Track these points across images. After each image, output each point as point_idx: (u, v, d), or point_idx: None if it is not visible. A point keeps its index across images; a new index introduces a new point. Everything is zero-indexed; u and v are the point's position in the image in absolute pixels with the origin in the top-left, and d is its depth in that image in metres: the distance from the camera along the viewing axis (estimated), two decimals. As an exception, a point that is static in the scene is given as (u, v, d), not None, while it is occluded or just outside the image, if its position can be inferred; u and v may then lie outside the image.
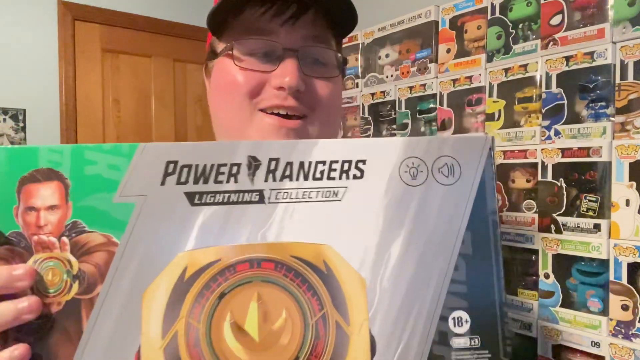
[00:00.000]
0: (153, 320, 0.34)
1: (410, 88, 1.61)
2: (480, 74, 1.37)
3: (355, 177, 0.34)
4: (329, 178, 0.34)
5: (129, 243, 0.34)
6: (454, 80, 1.45)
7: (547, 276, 1.11)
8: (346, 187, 0.35)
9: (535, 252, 1.13)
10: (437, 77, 1.53)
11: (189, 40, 2.72)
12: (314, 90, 0.54)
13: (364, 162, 0.34)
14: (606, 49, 1.06)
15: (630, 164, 0.99)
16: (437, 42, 1.53)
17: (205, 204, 0.34)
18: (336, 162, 0.34)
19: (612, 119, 1.05)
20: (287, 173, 0.34)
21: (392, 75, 1.70)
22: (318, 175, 0.34)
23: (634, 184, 0.98)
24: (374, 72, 1.78)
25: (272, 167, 0.34)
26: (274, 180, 0.34)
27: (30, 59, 2.29)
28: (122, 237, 0.34)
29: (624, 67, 1.04)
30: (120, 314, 0.34)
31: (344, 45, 1.78)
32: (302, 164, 0.34)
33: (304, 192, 0.35)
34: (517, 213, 1.18)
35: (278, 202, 0.35)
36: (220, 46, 0.57)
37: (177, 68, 2.73)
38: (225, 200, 0.34)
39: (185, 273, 0.35)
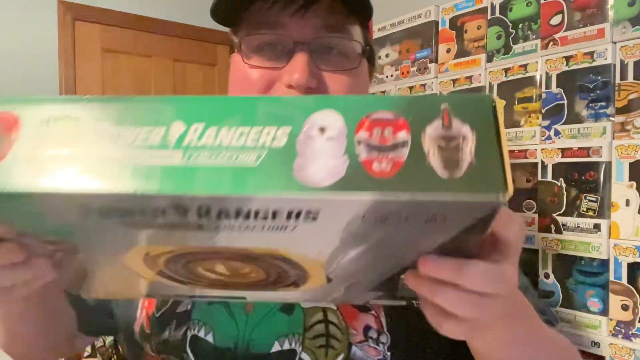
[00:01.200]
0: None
1: (410, 88, 1.61)
2: (480, 74, 1.37)
3: (307, 220, 0.31)
4: (274, 219, 0.31)
5: None
6: (454, 80, 1.45)
7: (547, 276, 1.11)
8: (296, 226, 0.32)
9: (535, 252, 1.13)
10: (437, 77, 1.53)
11: (189, 40, 2.72)
12: (328, 85, 0.50)
13: (317, 213, 0.30)
14: (606, 49, 1.06)
15: (630, 164, 0.99)
16: (437, 42, 1.53)
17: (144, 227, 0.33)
18: (279, 213, 0.30)
19: (612, 119, 1.05)
20: (223, 216, 0.31)
21: (392, 75, 1.70)
22: (262, 216, 0.31)
23: (634, 184, 0.98)
24: (374, 72, 1.78)
25: (203, 211, 0.31)
26: (209, 220, 0.32)
27: (30, 59, 2.29)
28: None
29: (624, 67, 1.04)
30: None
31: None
32: (239, 210, 0.30)
33: (247, 225, 0.32)
34: (517, 213, 1.18)
35: (218, 231, 0.33)
36: (234, 40, 0.54)
37: (177, 68, 2.73)
38: (164, 226, 0.33)
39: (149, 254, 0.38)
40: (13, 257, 0.33)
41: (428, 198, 0.28)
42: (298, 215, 0.30)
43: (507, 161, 0.29)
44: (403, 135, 0.29)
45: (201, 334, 0.52)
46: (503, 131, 0.29)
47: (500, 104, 0.32)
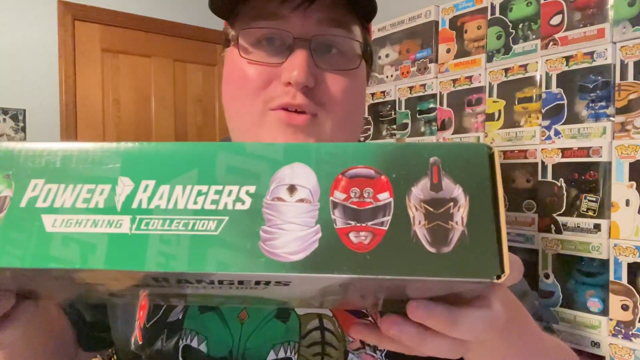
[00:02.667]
0: None
1: (410, 88, 1.61)
2: (480, 74, 1.37)
3: (278, 285, 0.27)
4: (241, 284, 0.28)
5: None
6: (454, 80, 1.45)
7: (547, 276, 1.11)
8: (266, 287, 0.28)
9: (535, 252, 1.13)
10: (437, 77, 1.53)
11: (189, 40, 2.72)
12: (326, 85, 0.48)
13: (289, 282, 0.27)
14: (606, 49, 1.06)
15: (630, 164, 0.99)
16: (437, 42, 1.53)
17: None
18: (246, 282, 0.27)
19: (612, 119, 1.05)
20: (183, 282, 0.28)
21: (392, 75, 1.70)
22: (227, 283, 0.27)
23: (634, 184, 0.97)
24: (374, 72, 1.78)
25: (160, 279, 0.27)
26: (169, 283, 0.28)
27: (30, 59, 2.29)
28: None
29: (623, 67, 1.04)
30: None
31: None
32: (200, 280, 0.27)
33: (212, 286, 0.28)
34: (517, 213, 1.18)
35: (183, 288, 0.30)
36: (231, 33, 0.52)
37: (177, 68, 2.73)
38: None
39: None
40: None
41: (412, 277, 0.24)
42: (267, 283, 0.26)
43: (504, 231, 0.24)
44: (385, 197, 0.25)
45: (194, 343, 0.50)
46: (500, 188, 0.25)
47: (498, 152, 0.29)
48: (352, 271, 0.24)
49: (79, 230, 0.25)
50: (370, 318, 0.51)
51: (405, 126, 1.64)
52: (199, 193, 0.25)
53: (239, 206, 0.25)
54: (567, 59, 1.14)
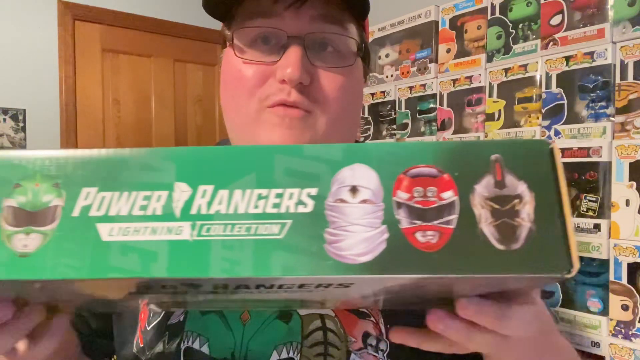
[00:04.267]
0: None
1: (410, 88, 1.61)
2: (480, 74, 1.37)
3: (338, 288, 0.28)
4: (300, 288, 0.28)
5: None
6: (454, 80, 1.45)
7: (547, 276, 1.11)
8: (323, 290, 0.28)
9: (535, 252, 1.13)
10: (437, 77, 1.53)
11: (189, 40, 2.72)
12: (321, 82, 0.48)
13: (351, 284, 0.26)
14: (606, 49, 1.06)
15: (630, 164, 0.99)
16: (437, 42, 1.53)
17: None
18: (307, 285, 0.27)
19: (612, 119, 1.05)
20: (242, 287, 0.28)
21: (392, 75, 1.70)
22: (287, 287, 0.27)
23: (634, 184, 0.97)
24: (374, 72, 1.77)
25: (220, 286, 0.27)
26: (225, 290, 0.28)
27: (30, 59, 2.29)
28: None
29: (624, 67, 1.04)
30: None
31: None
32: (261, 285, 0.27)
33: (268, 291, 0.28)
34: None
35: (235, 294, 0.29)
36: (227, 34, 0.52)
37: (177, 68, 2.73)
38: None
39: None
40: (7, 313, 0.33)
41: (483, 275, 0.24)
42: (328, 285, 0.26)
43: (570, 225, 0.24)
44: (449, 195, 0.24)
45: (196, 345, 0.50)
46: (563, 183, 0.25)
47: (557, 148, 0.26)
48: (422, 271, 0.24)
49: (138, 238, 0.24)
50: (372, 318, 0.51)
51: (405, 126, 1.64)
52: (260, 197, 0.25)
53: (301, 209, 0.24)
54: (567, 59, 1.14)
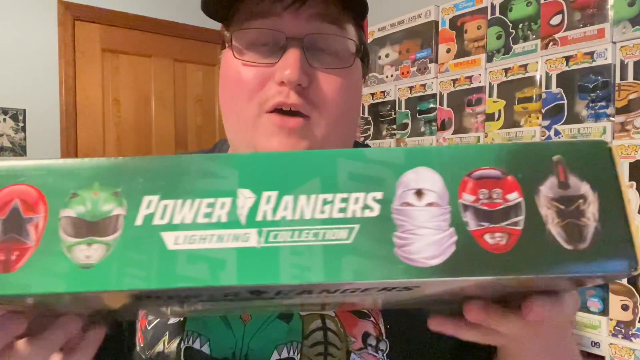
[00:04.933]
0: None
1: (410, 88, 1.61)
2: (480, 74, 1.37)
3: (399, 290, 0.27)
4: (363, 292, 0.28)
5: None
6: (454, 80, 1.45)
7: (547, 276, 1.11)
8: (382, 292, 0.29)
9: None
10: (437, 77, 1.53)
11: (189, 40, 2.71)
12: (320, 84, 0.48)
13: (415, 287, 0.27)
14: (606, 49, 1.06)
15: (630, 164, 0.99)
16: (437, 42, 1.53)
17: None
18: (372, 289, 0.27)
19: (612, 119, 1.05)
20: (305, 293, 0.28)
21: (392, 75, 1.70)
22: (350, 291, 0.27)
23: (634, 184, 0.97)
24: (374, 72, 1.77)
25: (284, 292, 0.27)
26: (286, 295, 0.28)
27: (30, 59, 2.29)
28: None
29: (624, 67, 1.04)
30: None
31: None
32: (326, 290, 0.27)
33: (326, 295, 0.28)
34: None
35: (290, 299, 0.30)
36: (226, 35, 0.52)
37: (177, 68, 2.73)
38: None
39: None
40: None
41: (554, 275, 0.24)
42: (392, 289, 0.26)
43: (633, 223, 0.25)
44: (514, 197, 0.25)
45: (196, 345, 0.50)
46: (622, 181, 0.25)
47: (615, 148, 0.29)
48: (494, 272, 0.24)
49: (205, 246, 0.24)
50: (372, 318, 0.51)
51: (405, 126, 1.64)
52: (325, 202, 0.25)
53: (367, 213, 0.24)
54: (567, 59, 1.14)
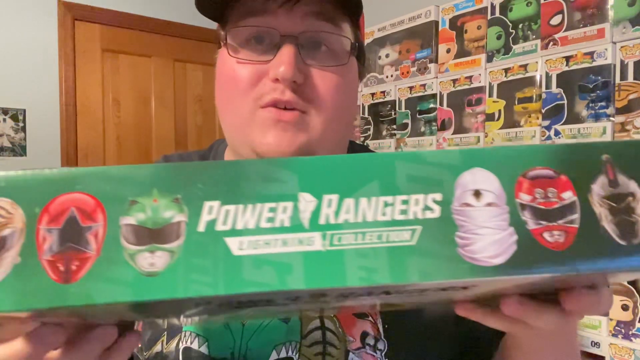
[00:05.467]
0: None
1: (410, 88, 1.61)
2: (480, 74, 1.37)
3: (455, 289, 0.29)
4: (421, 292, 0.29)
5: None
6: (454, 80, 1.45)
7: (547, 276, 1.11)
8: (437, 292, 0.29)
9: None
10: (437, 77, 1.53)
11: (189, 40, 2.71)
12: (315, 82, 0.48)
13: (474, 286, 0.28)
14: (606, 49, 1.06)
15: (630, 164, 0.99)
16: (437, 42, 1.53)
17: None
18: (430, 289, 0.28)
19: (612, 119, 1.05)
20: (365, 294, 0.28)
21: (392, 75, 1.70)
22: (408, 291, 0.27)
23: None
24: (374, 72, 1.77)
25: (346, 294, 0.27)
26: (344, 297, 0.29)
27: (30, 59, 2.29)
28: None
29: (624, 67, 1.04)
30: None
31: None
32: (388, 291, 0.27)
33: (381, 297, 0.29)
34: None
35: (343, 302, 0.30)
36: (221, 33, 0.52)
37: (177, 68, 2.73)
38: None
39: None
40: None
41: (614, 270, 0.25)
42: (452, 288, 0.27)
43: None
44: (569, 195, 0.26)
45: (195, 345, 0.50)
46: None
47: None
48: (555, 270, 0.25)
49: (270, 251, 0.24)
50: (370, 317, 0.51)
51: (405, 126, 1.64)
52: (386, 204, 0.25)
53: (428, 214, 0.25)
54: (567, 59, 1.14)
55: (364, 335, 0.50)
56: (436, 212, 0.25)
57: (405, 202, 0.25)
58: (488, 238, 0.25)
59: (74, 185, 0.25)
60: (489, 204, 0.25)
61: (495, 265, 0.24)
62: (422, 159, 0.26)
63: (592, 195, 0.26)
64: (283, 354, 0.49)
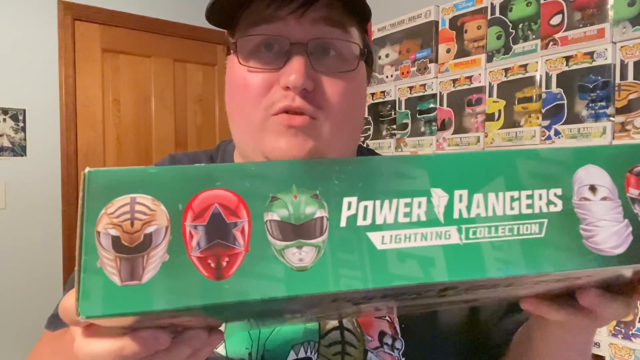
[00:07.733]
0: None
1: (410, 88, 1.61)
2: (480, 74, 1.37)
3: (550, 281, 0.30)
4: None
5: None
6: (454, 80, 1.45)
7: (547, 276, 1.11)
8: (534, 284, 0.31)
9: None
10: (437, 77, 1.53)
11: (189, 40, 2.71)
12: (325, 88, 0.49)
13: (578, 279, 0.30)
14: (606, 49, 1.06)
15: (630, 164, 0.99)
16: (437, 42, 1.53)
17: None
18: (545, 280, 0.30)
19: (612, 119, 1.05)
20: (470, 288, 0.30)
21: (392, 75, 1.70)
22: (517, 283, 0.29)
23: (634, 184, 0.98)
24: (374, 72, 1.77)
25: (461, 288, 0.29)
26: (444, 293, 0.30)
27: (30, 59, 2.28)
28: None
29: (624, 67, 1.04)
30: None
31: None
32: (496, 285, 0.29)
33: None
34: None
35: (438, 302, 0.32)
36: (230, 41, 0.53)
37: (177, 68, 2.73)
38: None
39: None
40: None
41: None
42: (566, 279, 0.28)
43: None
44: None
45: None
46: None
47: None
48: None
49: (411, 245, 0.25)
50: (387, 317, 0.52)
51: (405, 126, 1.64)
52: (512, 199, 0.26)
53: (552, 208, 0.27)
54: (567, 59, 1.14)
55: (382, 334, 0.51)
56: (559, 206, 0.27)
57: (529, 196, 0.27)
58: (608, 230, 0.26)
59: (213, 181, 0.25)
60: (604, 198, 0.27)
61: (617, 255, 0.26)
62: (538, 156, 0.27)
63: None
64: (302, 354, 0.49)
